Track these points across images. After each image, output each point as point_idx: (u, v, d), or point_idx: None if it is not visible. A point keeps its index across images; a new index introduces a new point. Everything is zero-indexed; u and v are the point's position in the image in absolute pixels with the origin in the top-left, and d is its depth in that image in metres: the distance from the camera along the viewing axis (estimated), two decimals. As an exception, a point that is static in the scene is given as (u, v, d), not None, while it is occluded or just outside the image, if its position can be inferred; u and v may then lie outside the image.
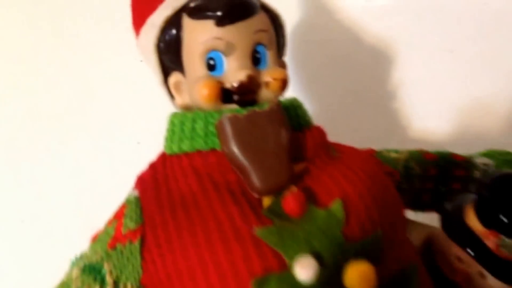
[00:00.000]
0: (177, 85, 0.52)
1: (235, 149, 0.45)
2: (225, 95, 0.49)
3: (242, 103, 0.49)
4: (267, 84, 0.50)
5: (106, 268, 0.47)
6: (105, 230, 0.49)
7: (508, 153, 0.60)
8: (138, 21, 0.55)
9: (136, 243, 0.46)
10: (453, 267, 0.52)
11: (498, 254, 0.49)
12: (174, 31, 0.51)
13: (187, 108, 0.52)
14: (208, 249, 0.42)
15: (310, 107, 0.77)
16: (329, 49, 0.82)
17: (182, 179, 0.48)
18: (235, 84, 0.49)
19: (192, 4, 0.50)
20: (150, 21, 0.53)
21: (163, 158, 0.51)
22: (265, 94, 0.50)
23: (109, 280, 0.46)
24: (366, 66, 0.82)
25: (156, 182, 0.49)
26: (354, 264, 0.42)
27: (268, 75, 0.50)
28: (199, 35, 0.50)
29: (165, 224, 0.45)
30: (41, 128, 0.85)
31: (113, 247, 0.47)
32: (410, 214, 0.56)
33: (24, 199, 0.85)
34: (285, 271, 0.42)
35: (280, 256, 0.42)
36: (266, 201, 0.45)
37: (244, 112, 0.47)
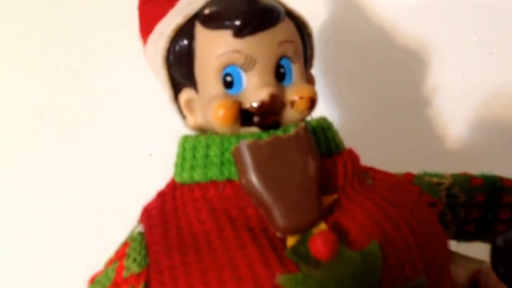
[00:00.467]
0: (189, 103, 0.47)
1: (254, 181, 0.40)
2: (244, 116, 0.44)
3: (264, 126, 0.44)
4: (292, 103, 0.45)
5: None
6: (105, 272, 0.44)
7: None
8: (146, 27, 0.50)
9: None
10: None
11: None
12: (185, 42, 0.46)
13: (200, 130, 0.47)
14: None
15: (336, 115, 0.73)
16: (358, 51, 0.79)
17: (194, 214, 0.43)
18: (256, 104, 0.43)
19: (206, 11, 0.45)
20: (158, 29, 0.48)
21: (173, 187, 0.46)
22: (290, 115, 0.45)
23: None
24: (399, 69, 0.78)
25: (164, 216, 0.44)
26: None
27: (294, 93, 0.45)
28: (215, 47, 0.44)
29: (173, 269, 0.40)
30: (43, 141, 0.81)
31: (113, 293, 0.42)
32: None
33: (23, 220, 0.80)
34: None
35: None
36: (291, 241, 0.40)
37: (265, 137, 0.42)
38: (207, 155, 0.44)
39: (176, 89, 0.48)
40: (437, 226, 0.46)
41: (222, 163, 0.43)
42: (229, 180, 0.43)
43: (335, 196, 0.43)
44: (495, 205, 0.53)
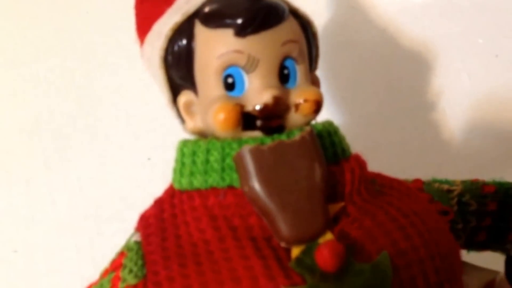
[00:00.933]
0: (188, 106, 0.45)
1: (257, 188, 0.39)
2: (246, 120, 0.42)
3: (267, 130, 0.42)
4: (297, 106, 0.43)
5: None
6: (100, 283, 0.43)
7: None
8: (142, 27, 0.48)
9: None
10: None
11: None
12: (184, 42, 0.44)
13: (200, 134, 0.45)
14: None
15: (338, 119, 0.72)
16: (361, 53, 0.78)
17: (193, 223, 0.41)
18: (258, 107, 0.42)
19: (206, 9, 0.43)
20: (156, 28, 0.46)
21: (171, 194, 0.45)
22: (295, 118, 0.43)
23: None
24: (403, 71, 0.77)
25: (162, 224, 0.43)
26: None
27: (299, 95, 0.43)
28: (215, 47, 0.42)
29: (171, 281, 0.38)
30: (39, 145, 0.80)
31: (108, 306, 0.41)
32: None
33: (18, 226, 0.79)
34: None
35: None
36: (296, 252, 0.38)
37: (269, 141, 0.40)
38: (207, 161, 0.42)
39: (175, 91, 0.46)
40: (449, 235, 0.44)
41: (223, 169, 0.42)
42: (230, 187, 0.41)
43: (342, 204, 0.41)
44: (507, 213, 0.51)
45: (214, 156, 0.42)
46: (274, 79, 0.43)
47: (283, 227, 0.38)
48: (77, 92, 0.80)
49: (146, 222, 0.44)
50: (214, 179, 0.42)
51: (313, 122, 0.45)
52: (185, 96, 0.45)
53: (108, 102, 0.79)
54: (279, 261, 0.38)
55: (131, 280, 0.40)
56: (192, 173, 0.43)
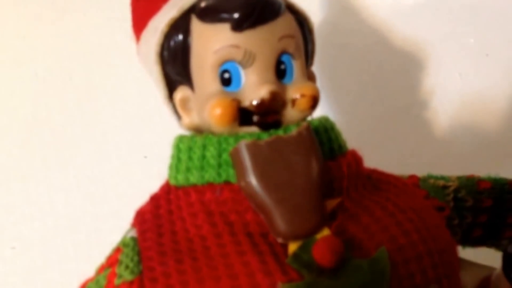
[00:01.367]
0: (184, 102, 0.45)
1: (254, 183, 0.38)
2: (242, 115, 0.41)
3: (264, 125, 0.42)
4: (293, 101, 0.42)
5: None
6: (96, 279, 0.42)
7: None
8: (138, 23, 0.48)
9: None
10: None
11: None
12: (180, 37, 0.43)
13: (196, 130, 0.45)
14: None
15: (332, 118, 0.72)
16: (354, 53, 0.77)
17: (189, 218, 0.41)
18: (255, 102, 0.41)
19: (202, 4, 0.43)
20: (152, 25, 0.46)
21: (167, 190, 0.44)
22: (291, 114, 0.43)
23: None
24: (395, 71, 0.77)
25: (158, 220, 0.42)
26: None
27: (296, 90, 0.42)
28: (212, 42, 0.42)
29: (167, 277, 0.38)
30: (37, 142, 0.79)
31: (104, 302, 0.40)
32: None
33: (15, 223, 0.78)
34: None
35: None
36: (293, 247, 0.38)
37: (265, 137, 0.40)
38: (203, 156, 0.42)
39: (171, 87, 0.45)
40: (446, 231, 0.44)
41: (219, 165, 0.41)
42: (227, 183, 0.41)
43: (339, 199, 0.41)
44: (503, 209, 0.51)
45: (211, 151, 0.41)
46: (271, 74, 0.42)
47: (280, 222, 0.38)
48: (75, 91, 0.79)
49: (142, 218, 0.43)
50: (210, 175, 0.41)
51: (309, 118, 0.44)
52: (181, 92, 0.45)
53: (105, 101, 0.79)
54: (276, 257, 0.37)
55: (127, 276, 0.40)
56: (188, 169, 0.42)
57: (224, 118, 0.41)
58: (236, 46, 0.41)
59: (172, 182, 0.44)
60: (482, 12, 0.74)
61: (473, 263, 0.50)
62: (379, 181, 0.46)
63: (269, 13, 0.42)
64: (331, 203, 0.40)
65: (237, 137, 0.41)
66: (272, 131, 0.41)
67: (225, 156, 0.41)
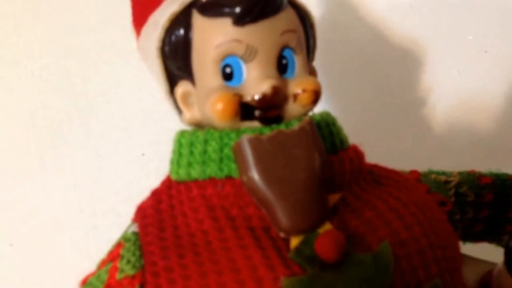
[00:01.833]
0: (185, 97, 0.45)
1: (256, 178, 0.38)
2: (244, 110, 0.41)
3: (265, 120, 0.41)
4: (295, 96, 0.42)
5: None
6: (97, 273, 0.42)
7: None
8: (139, 18, 0.47)
9: None
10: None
11: None
12: (181, 32, 0.43)
13: (197, 125, 0.45)
14: None
15: None
16: (350, 50, 0.77)
17: (191, 213, 0.41)
18: (257, 97, 0.41)
19: None
20: (152, 19, 0.45)
21: (169, 185, 0.44)
22: (293, 108, 0.42)
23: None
24: (393, 68, 0.77)
25: (159, 215, 0.42)
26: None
27: (297, 85, 0.42)
28: (213, 37, 0.42)
29: (169, 271, 0.38)
30: (34, 139, 0.79)
31: (106, 296, 0.40)
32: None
33: (13, 220, 0.78)
34: None
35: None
36: (295, 242, 0.37)
37: (267, 131, 0.39)
38: (205, 151, 0.41)
39: (172, 82, 0.45)
40: (448, 226, 0.44)
41: (221, 160, 0.41)
42: (228, 178, 0.40)
43: (341, 194, 0.41)
44: (504, 204, 0.51)
45: (212, 146, 0.41)
46: (273, 69, 0.42)
47: (282, 217, 0.37)
48: (72, 88, 0.79)
49: (144, 213, 0.43)
50: (212, 170, 0.41)
51: (310, 113, 0.44)
52: (182, 87, 0.45)
53: (103, 98, 0.78)
54: (278, 251, 0.37)
55: (129, 271, 0.40)
56: (190, 164, 0.42)
57: (226, 113, 0.41)
58: (238, 41, 0.41)
59: (174, 177, 0.44)
60: (481, 9, 0.74)
61: (475, 258, 0.50)
62: (380, 176, 0.45)
63: (271, 8, 0.42)
64: (333, 198, 0.40)
65: (239, 132, 0.40)
66: (273, 126, 0.41)
67: (226, 150, 0.41)
